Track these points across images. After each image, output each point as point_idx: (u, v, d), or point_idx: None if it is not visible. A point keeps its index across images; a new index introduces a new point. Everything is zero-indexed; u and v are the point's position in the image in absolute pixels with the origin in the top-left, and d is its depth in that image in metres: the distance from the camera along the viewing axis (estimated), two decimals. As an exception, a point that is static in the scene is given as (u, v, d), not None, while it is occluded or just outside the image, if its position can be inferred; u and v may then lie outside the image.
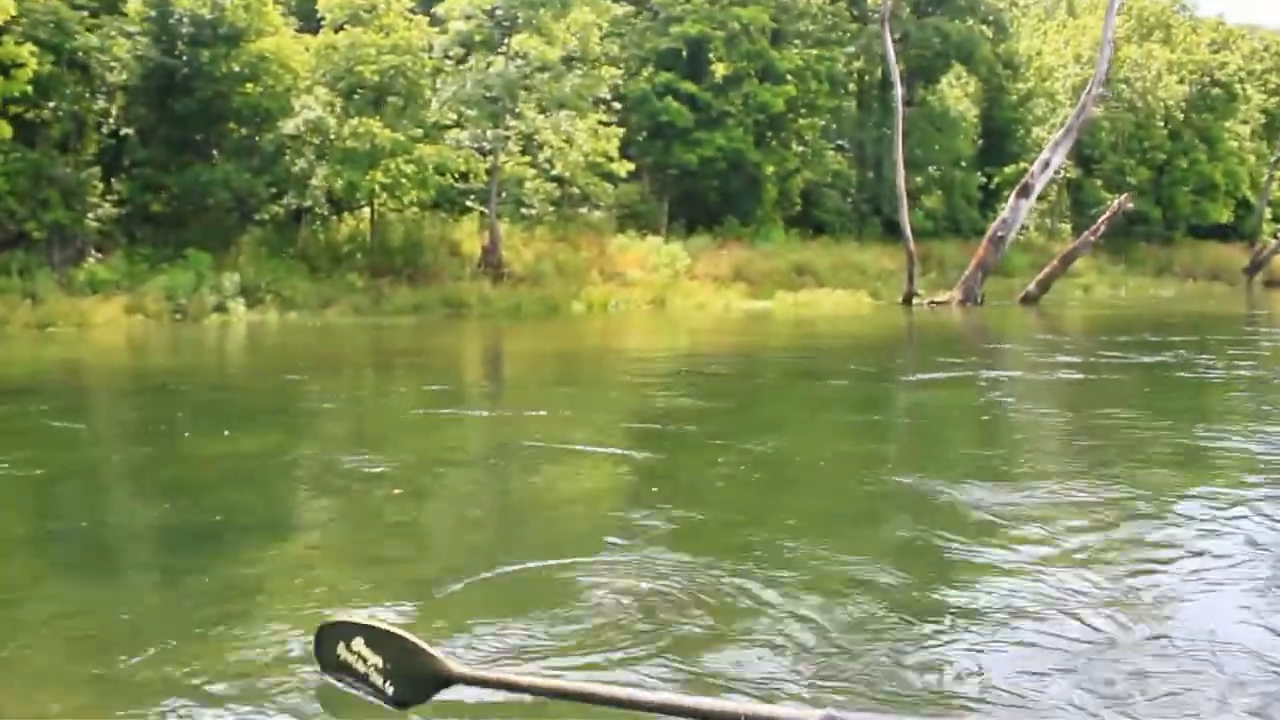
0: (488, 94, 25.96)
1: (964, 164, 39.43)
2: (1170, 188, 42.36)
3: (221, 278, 23.31)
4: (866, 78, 39.78)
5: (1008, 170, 38.80)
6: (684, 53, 32.20)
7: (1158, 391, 10.82)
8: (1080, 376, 12.91)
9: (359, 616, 3.11)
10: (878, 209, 37.84)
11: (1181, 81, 41.42)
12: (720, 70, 32.40)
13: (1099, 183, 40.86)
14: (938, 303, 28.00)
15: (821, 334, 21.09)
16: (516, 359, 17.58)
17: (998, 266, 35.42)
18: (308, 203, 25.77)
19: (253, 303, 23.45)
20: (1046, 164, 28.42)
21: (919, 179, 38.31)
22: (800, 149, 34.90)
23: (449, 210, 28.32)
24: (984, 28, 38.05)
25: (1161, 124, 41.10)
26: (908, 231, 28.65)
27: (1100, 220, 29.62)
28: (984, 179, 39.92)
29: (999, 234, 28.39)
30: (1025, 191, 28.50)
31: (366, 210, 26.85)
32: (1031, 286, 28.74)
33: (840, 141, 36.63)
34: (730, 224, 32.70)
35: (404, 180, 24.47)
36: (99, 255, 23.55)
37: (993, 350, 18.18)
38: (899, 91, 29.89)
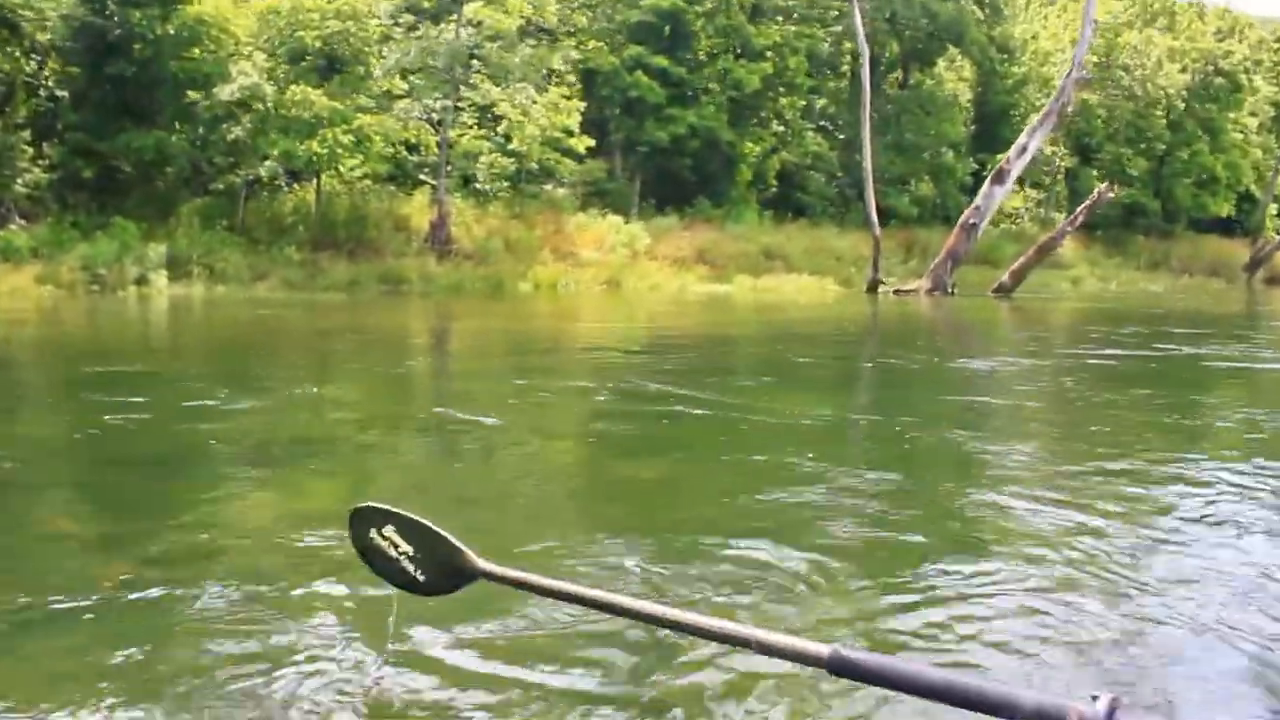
0: (431, 63, 24.40)
1: (955, 149, 37.53)
2: (1170, 179, 40.30)
3: (148, 248, 21.96)
4: (860, 59, 37.86)
5: (1000, 157, 36.80)
6: (657, 26, 30.46)
7: (1082, 402, 9.21)
8: (1012, 375, 11.27)
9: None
10: (862, 193, 36.07)
11: (1184, 70, 39.27)
12: (694, 45, 30.65)
13: (1096, 172, 38.77)
14: (904, 291, 26.39)
15: (765, 321, 19.44)
16: (390, 341, 16.03)
17: (980, 255, 33.98)
18: (249, 174, 24.41)
19: (181, 275, 22.14)
20: (1024, 149, 26.55)
21: (908, 164, 36.70)
22: (779, 129, 33.13)
23: (401, 184, 26.85)
24: (976, 9, 36.07)
25: (1161, 113, 39.02)
26: (873, 216, 26.98)
27: (1078, 210, 27.71)
28: (976, 165, 37.98)
29: (971, 221, 26.60)
30: (1000, 178, 26.71)
31: (313, 183, 25.41)
32: (1005, 277, 26.94)
33: (823, 122, 34.83)
34: (701, 205, 31.12)
35: (339, 150, 22.93)
36: (23, 223, 22.25)
37: (935, 344, 16.48)
38: (866, 69, 28.05)
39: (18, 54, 23.10)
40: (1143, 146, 39.73)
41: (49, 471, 5.79)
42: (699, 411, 7.74)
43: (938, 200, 36.51)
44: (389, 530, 2.78)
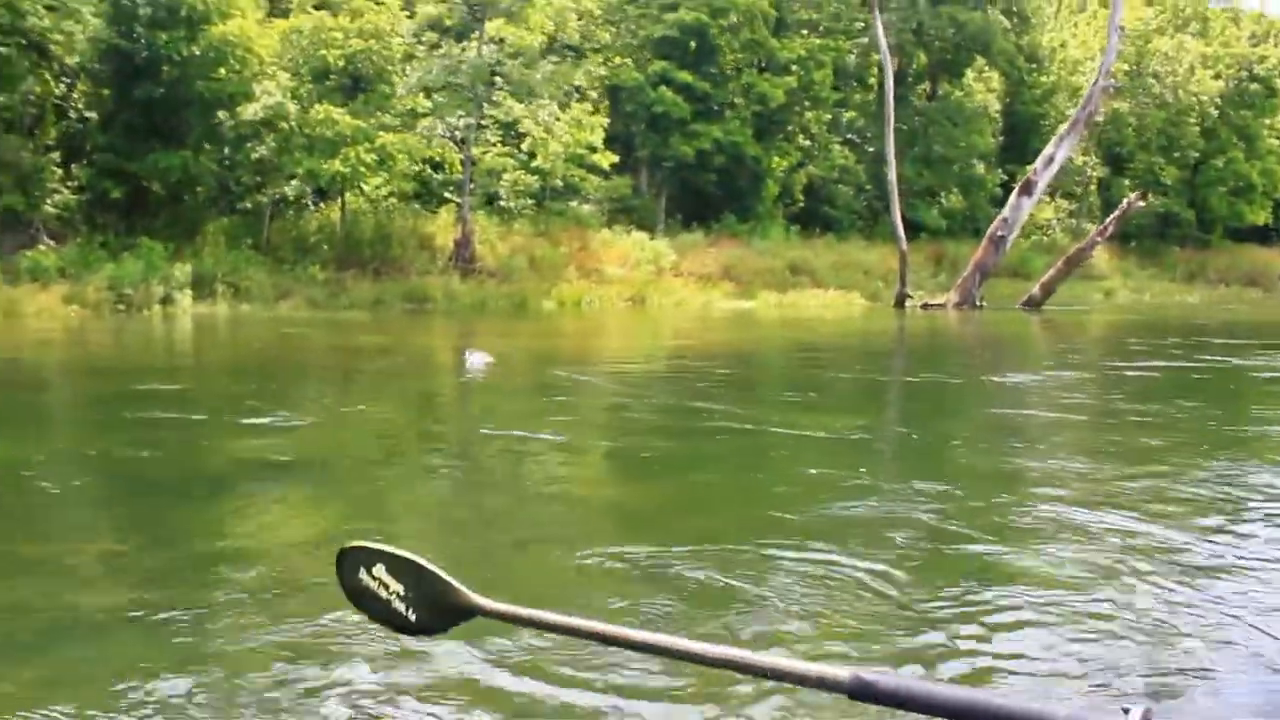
0: (453, 80, 24.33)
1: (985, 161, 37.03)
2: (1205, 188, 39.54)
3: (173, 268, 22.00)
4: (883, 71, 37.47)
5: (1029, 168, 36.27)
6: (681, 41, 30.27)
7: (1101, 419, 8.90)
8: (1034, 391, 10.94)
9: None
10: (888, 207, 35.64)
11: (1217, 76, 38.56)
12: (719, 60, 30.43)
13: (1128, 182, 38.11)
14: (931, 305, 26.04)
15: (793, 338, 19.12)
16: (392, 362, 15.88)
17: (1010, 268, 33.46)
18: (275, 193, 24.46)
19: (206, 294, 22.16)
20: (1050, 160, 26.19)
21: (937, 176, 36.25)
22: (805, 143, 32.82)
23: (426, 202, 26.80)
24: (1003, 18, 35.60)
25: (1195, 121, 38.28)
26: (899, 229, 26.63)
27: (1108, 220, 27.24)
28: (1005, 176, 37.41)
29: (999, 234, 26.24)
30: (1028, 189, 26.32)
31: (340, 201, 25.41)
32: (1034, 290, 26.52)
33: (850, 135, 34.45)
34: (727, 220, 30.87)
35: (362, 169, 22.91)
36: (51, 243, 22.35)
37: (969, 358, 16.11)
38: (889, 81, 27.68)
39: (48, 77, 23.25)
40: (1176, 155, 39.03)
41: (80, 488, 5.76)
42: (740, 426, 7.76)
43: (967, 213, 36.01)
44: (379, 570, 2.69)
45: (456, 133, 25.39)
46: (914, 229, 34.68)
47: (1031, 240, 38.07)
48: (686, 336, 19.20)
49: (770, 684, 2.48)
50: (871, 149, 35.50)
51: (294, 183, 24.34)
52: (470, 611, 2.60)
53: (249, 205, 25.10)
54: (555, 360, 14.55)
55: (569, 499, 5.56)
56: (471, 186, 25.52)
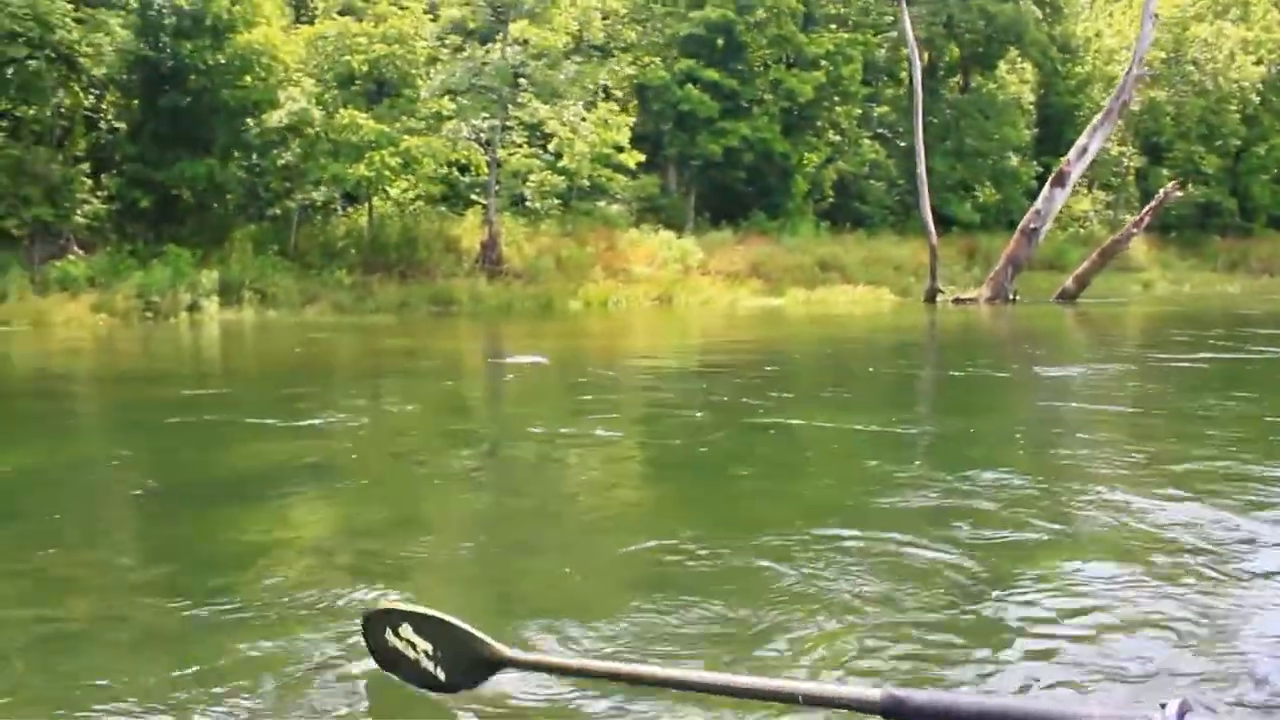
0: (477, 82, 24.20)
1: (1019, 153, 36.38)
2: (1246, 176, 38.58)
3: (200, 275, 22.05)
4: (910, 64, 36.90)
5: (1063, 159, 35.63)
6: (708, 39, 29.96)
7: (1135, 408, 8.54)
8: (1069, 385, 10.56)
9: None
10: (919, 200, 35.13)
11: (1259, 62, 37.59)
12: (746, 56, 30.09)
13: (1167, 172, 37.23)
14: (963, 300, 25.54)
15: (823, 335, 18.71)
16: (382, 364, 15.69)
17: (1046, 260, 32.81)
18: (304, 199, 24.47)
19: (233, 301, 22.18)
20: (1084, 150, 25.56)
21: (970, 170, 35.66)
22: (835, 139, 32.39)
23: (453, 205, 26.72)
24: (1036, 8, 34.94)
25: (1236, 108, 37.33)
26: (929, 223, 26.22)
27: (1144, 211, 26.56)
28: (1040, 169, 36.70)
29: (1032, 226, 25.66)
30: (1061, 180, 25.73)
31: (367, 206, 25.40)
32: (1069, 282, 25.94)
33: (881, 130, 33.95)
34: (756, 218, 30.54)
35: (387, 173, 22.86)
36: (80, 253, 22.48)
37: (1003, 352, 15.63)
38: (917, 74, 27.20)
39: (77, 89, 23.39)
40: (1216, 143, 38.09)
41: (114, 494, 5.70)
42: (787, 422, 7.60)
43: (1001, 206, 35.34)
44: (405, 630, 2.70)
45: (481, 135, 25.22)
46: (946, 223, 34.19)
47: (1068, 232, 37.35)
48: (714, 334, 18.91)
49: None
50: (903, 143, 34.92)
51: (322, 188, 24.31)
52: (500, 664, 2.60)
53: (277, 211, 25.09)
54: (585, 360, 14.31)
55: (619, 494, 5.57)
56: (497, 188, 25.37)
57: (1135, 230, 26.34)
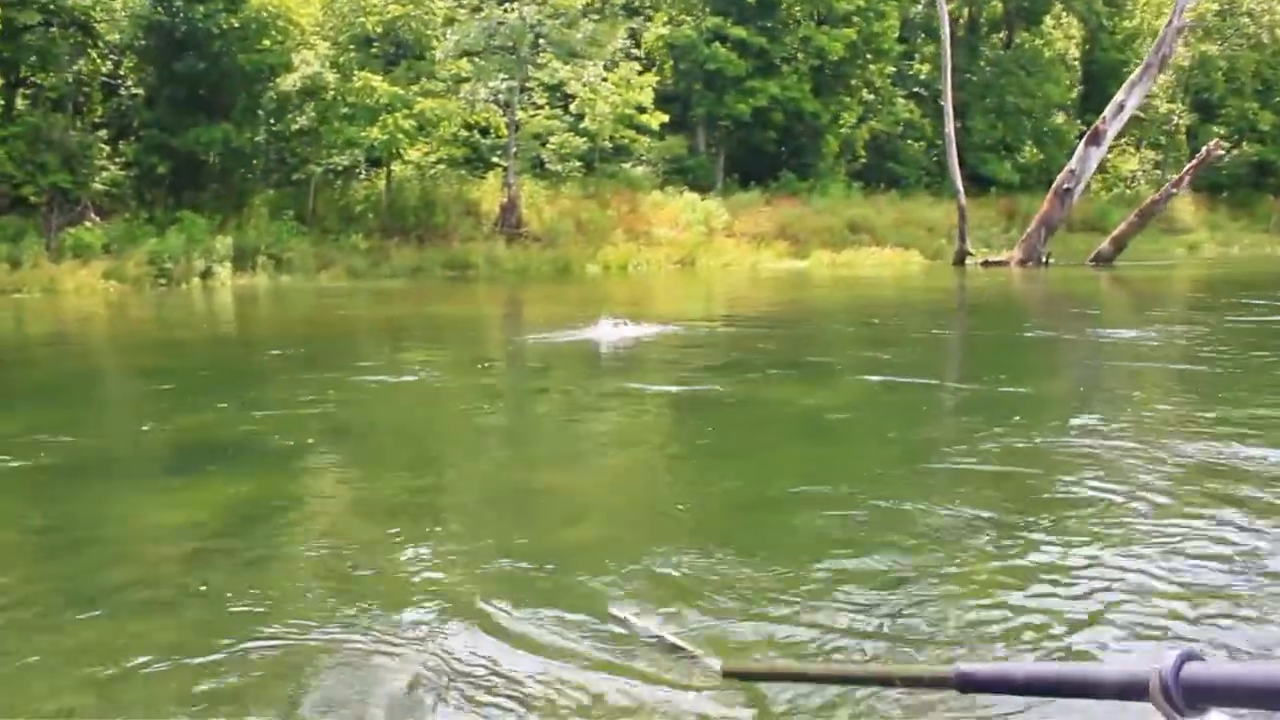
0: (493, 42, 23.41)
1: (1062, 111, 34.85)
2: (1303, 133, 36.51)
3: (215, 241, 21.61)
4: (959, 19, 35.46)
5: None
6: (735, -4, 28.84)
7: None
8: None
9: None
10: (962, 161, 33.78)
11: (1318, 13, 35.45)
12: (775, 13, 28.95)
13: (1219, 129, 35.37)
14: (993, 262, 24.42)
15: (841, 299, 17.72)
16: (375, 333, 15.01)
17: (1088, 222, 31.52)
18: (326, 164, 23.97)
19: (247, 266, 21.73)
20: (1121, 106, 24.11)
21: (1010, 129, 34.26)
22: (868, 97, 31.16)
23: (475, 168, 26.07)
24: (1080, -41, 33.29)
25: (1291, 62, 35.29)
26: (957, 182, 25.11)
27: (1185, 170, 25.08)
28: (1084, 127, 35.01)
29: (1065, 186, 24.31)
30: (1096, 139, 24.32)
31: (385, 170, 24.82)
32: (1105, 245, 24.60)
33: (917, 88, 32.62)
34: (786, 179, 29.53)
35: (401, 136, 22.22)
36: (96, 220, 22.14)
37: (1020, 317, 14.55)
38: (946, 25, 25.95)
39: (94, 55, 22.99)
40: (1274, 100, 36.09)
41: (140, 459, 5.60)
42: (835, 384, 7.42)
43: (1042, 166, 33.93)
44: None
45: (500, 96, 24.48)
46: (985, 184, 33.07)
47: (1114, 193, 35.80)
48: (727, 299, 18.06)
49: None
50: (941, 101, 33.68)
51: (347, 153, 23.77)
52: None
53: (301, 176, 24.61)
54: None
55: (675, 457, 5.46)
56: (516, 150, 24.62)
57: (1175, 190, 24.88)
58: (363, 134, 22.41)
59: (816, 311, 15.35)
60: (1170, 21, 23.70)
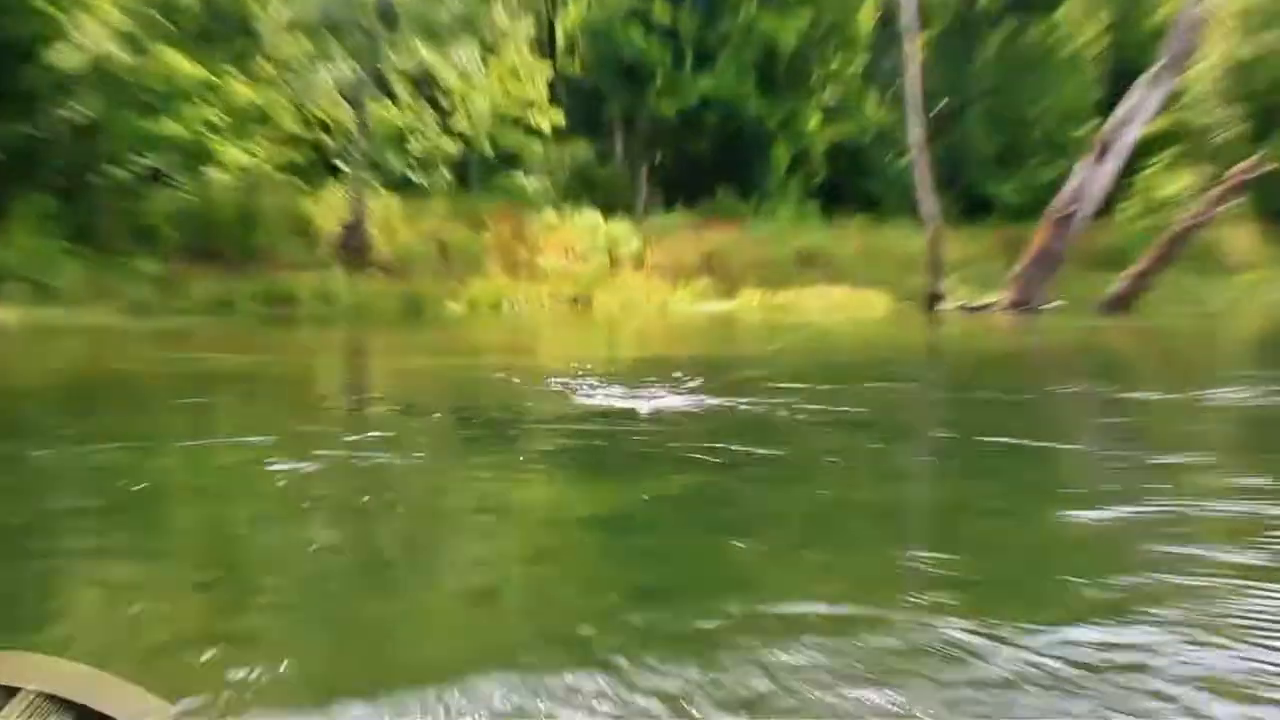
0: (335, 18, 22.74)
1: (1077, 120, 34.49)
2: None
3: (-47, 262, 20.65)
4: (951, 5, 35.20)
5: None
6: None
7: None
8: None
9: None
10: (954, 178, 33.33)
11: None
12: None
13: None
14: (975, 308, 24.15)
15: (710, 355, 16.74)
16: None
17: (1110, 256, 30.88)
18: (113, 166, 23.09)
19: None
20: (1128, 117, 23.71)
21: (1013, 140, 33.90)
22: (831, 96, 30.71)
23: (311, 178, 25.29)
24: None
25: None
26: (927, 201, 24.82)
27: (1218, 191, 24.39)
28: (1108, 139, 34.81)
29: (1069, 211, 23.76)
30: (1103, 152, 23.75)
31: (199, 176, 23.97)
32: (1121, 284, 23.98)
33: (898, 84, 32.21)
34: (724, 198, 28.95)
35: (208, 134, 21.42)
36: None
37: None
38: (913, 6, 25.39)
39: None
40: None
41: None
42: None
43: (1055, 186, 33.37)
44: None
45: (345, 87, 23.71)
46: (982, 209, 32.66)
47: (1152, 219, 35.33)
48: (606, 352, 17.13)
49: None
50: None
51: (156, 154, 22.94)
52: None
53: (92, 181, 23.70)
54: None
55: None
56: (365, 155, 23.86)
57: (1207, 214, 24.17)
58: (160, 129, 21.56)
59: (653, 366, 14.34)
60: (1184, 10, 23.29)
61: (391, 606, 4.04)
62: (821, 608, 3.82)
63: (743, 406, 9.61)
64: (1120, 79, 36.04)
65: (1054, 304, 24.14)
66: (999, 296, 24.63)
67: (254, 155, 24.14)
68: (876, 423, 9.20)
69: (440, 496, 5.94)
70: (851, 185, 31.75)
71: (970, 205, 33.26)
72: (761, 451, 7.02)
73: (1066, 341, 18.61)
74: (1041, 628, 3.52)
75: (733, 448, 7.18)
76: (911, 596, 3.84)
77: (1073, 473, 6.54)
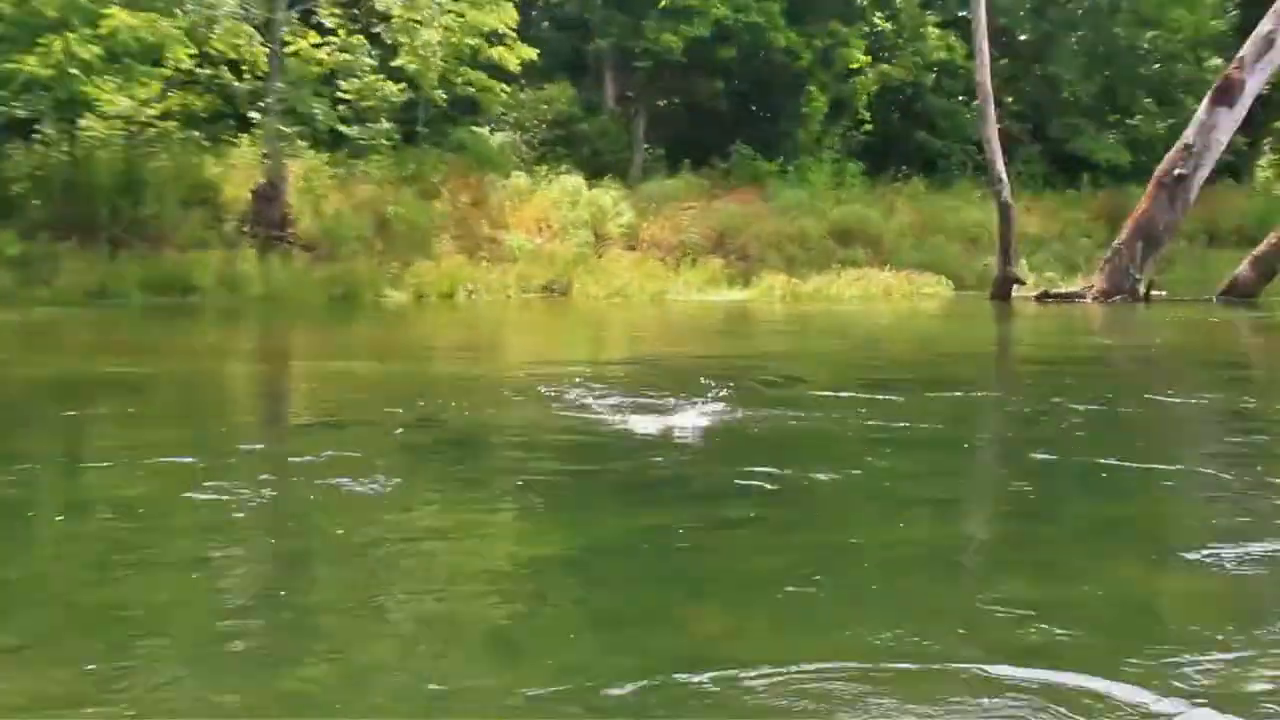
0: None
1: (1200, 56, 34.67)
2: None
3: None
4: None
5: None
6: None
7: None
8: None
9: None
10: (1037, 131, 33.53)
11: None
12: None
13: None
14: (1057, 296, 24.53)
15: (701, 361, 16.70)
16: None
17: (1236, 231, 31.08)
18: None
19: None
20: (1271, 42, 23.82)
21: (1119, 82, 34.09)
22: (881, 26, 30.94)
23: (218, 132, 25.63)
24: None
25: None
26: (997, 164, 24.87)
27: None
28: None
29: (1177, 173, 24.06)
30: (1226, 95, 24.20)
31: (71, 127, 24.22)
32: (1242, 268, 24.50)
33: (963, 12, 32.51)
34: (743, 157, 29.37)
35: (76, 72, 21.65)
36: None
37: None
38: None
39: None
40: None
41: None
42: None
43: (1171, 139, 33.68)
44: None
45: (254, 15, 23.88)
46: (1077, 169, 32.80)
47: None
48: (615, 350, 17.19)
49: None
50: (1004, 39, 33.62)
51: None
52: None
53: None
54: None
55: None
56: (283, 103, 24.01)
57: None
58: (15, 67, 21.77)
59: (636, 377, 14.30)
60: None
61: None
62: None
63: (786, 420, 9.79)
64: (1252, 4, 36.24)
65: (1159, 292, 24.19)
66: (1090, 282, 24.93)
67: (140, 101, 24.24)
68: (948, 440, 9.35)
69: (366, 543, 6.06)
70: (905, 141, 31.89)
71: (1059, 165, 33.58)
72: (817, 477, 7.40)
73: (1173, 341, 18.61)
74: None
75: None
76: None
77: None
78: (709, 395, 10.25)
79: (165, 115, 25.08)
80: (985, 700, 3.83)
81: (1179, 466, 7.99)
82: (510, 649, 4.55)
